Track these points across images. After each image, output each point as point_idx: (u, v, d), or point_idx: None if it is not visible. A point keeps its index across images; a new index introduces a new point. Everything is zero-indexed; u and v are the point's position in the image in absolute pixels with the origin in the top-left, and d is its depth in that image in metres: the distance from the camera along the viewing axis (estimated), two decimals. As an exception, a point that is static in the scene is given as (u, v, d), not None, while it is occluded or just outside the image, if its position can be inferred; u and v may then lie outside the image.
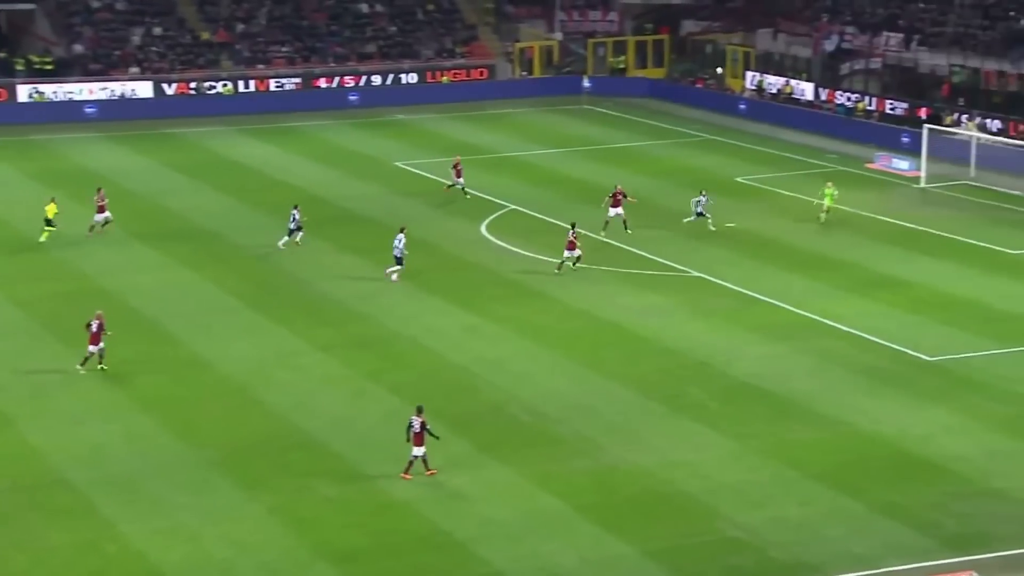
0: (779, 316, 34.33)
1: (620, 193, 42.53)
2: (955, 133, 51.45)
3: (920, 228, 42.44)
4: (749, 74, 66.71)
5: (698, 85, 68.77)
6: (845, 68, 63.81)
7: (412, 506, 24.30)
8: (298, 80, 68.08)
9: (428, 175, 52.38)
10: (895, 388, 29.26)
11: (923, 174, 48.58)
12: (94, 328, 30.24)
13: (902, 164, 50.98)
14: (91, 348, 30.32)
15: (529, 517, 23.94)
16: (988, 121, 53.26)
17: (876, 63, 62.37)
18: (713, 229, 41.94)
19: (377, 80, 69.09)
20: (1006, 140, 50.56)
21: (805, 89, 63.09)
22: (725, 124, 61.68)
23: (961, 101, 56.22)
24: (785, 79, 64.38)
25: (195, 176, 51.62)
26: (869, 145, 54.94)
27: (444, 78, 70.20)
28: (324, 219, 44.67)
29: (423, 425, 25.16)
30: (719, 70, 68.76)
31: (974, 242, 40.67)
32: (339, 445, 26.92)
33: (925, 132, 49.67)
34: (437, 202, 47.66)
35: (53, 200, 41.69)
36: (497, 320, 34.44)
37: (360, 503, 24.51)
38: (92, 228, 41.86)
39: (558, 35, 74.89)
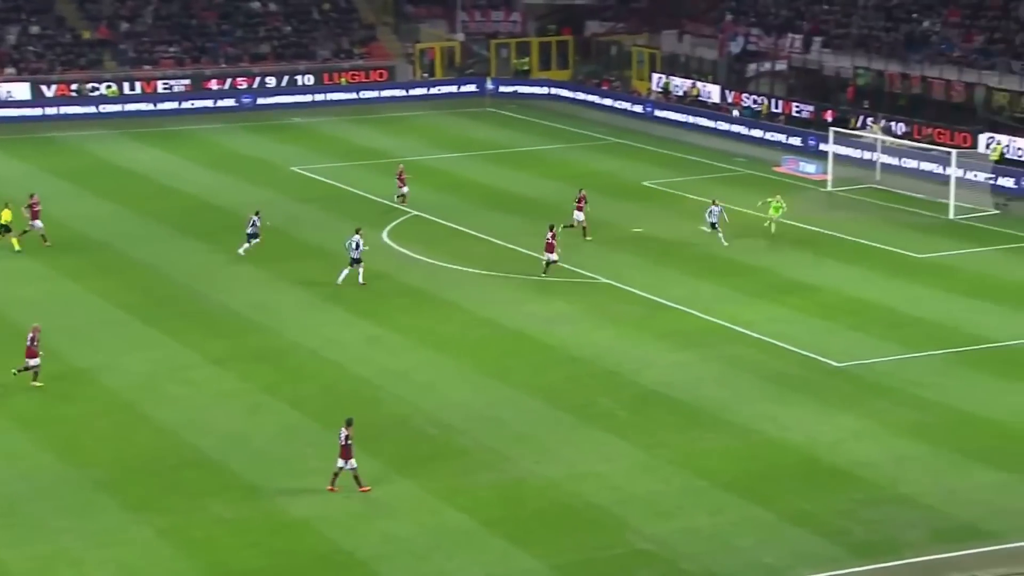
0: (688, 323, 34.83)
1: (583, 198, 42.91)
2: (861, 136, 52.75)
3: (827, 232, 43.41)
4: (655, 76, 67.60)
5: (603, 87, 69.47)
6: (751, 70, 65.04)
7: (312, 524, 24.10)
8: (187, 82, 67.15)
9: (326, 180, 52.04)
10: (804, 395, 29.87)
11: (830, 177, 49.71)
12: (29, 341, 29.81)
13: (809, 167, 52.11)
14: (29, 362, 29.81)
15: (434, 533, 23.91)
16: (893, 124, 54.71)
17: (782, 65, 63.69)
18: (725, 244, 40.63)
19: (271, 82, 68.47)
20: (911, 143, 51.96)
21: (711, 91, 64.15)
22: (631, 127, 62.40)
23: (866, 104, 57.68)
24: (691, 81, 65.39)
25: (78, 182, 50.58)
26: (776, 148, 56.08)
27: (342, 80, 69.84)
28: (217, 227, 44.12)
29: (347, 438, 25.04)
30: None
31: (880, 246, 41.73)
32: (234, 462, 26.59)
33: (831, 135, 50.85)
34: (335, 208, 47.39)
35: (7, 206, 41.01)
36: (400, 330, 34.35)
37: (256, 523, 24.23)
38: (43, 237, 41.13)
39: (460, 36, 75.04)
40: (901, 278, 38.27)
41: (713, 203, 42.23)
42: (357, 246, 37.48)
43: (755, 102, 61.54)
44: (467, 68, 73.50)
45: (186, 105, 66.09)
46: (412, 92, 70.51)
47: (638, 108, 65.42)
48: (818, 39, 62.95)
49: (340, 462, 25.03)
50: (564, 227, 41.50)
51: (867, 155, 52.02)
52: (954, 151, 47.04)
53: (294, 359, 32.37)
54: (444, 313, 35.68)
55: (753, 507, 24.58)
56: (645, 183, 51.14)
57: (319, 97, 68.66)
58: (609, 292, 37.56)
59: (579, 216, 42.86)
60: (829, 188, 49.35)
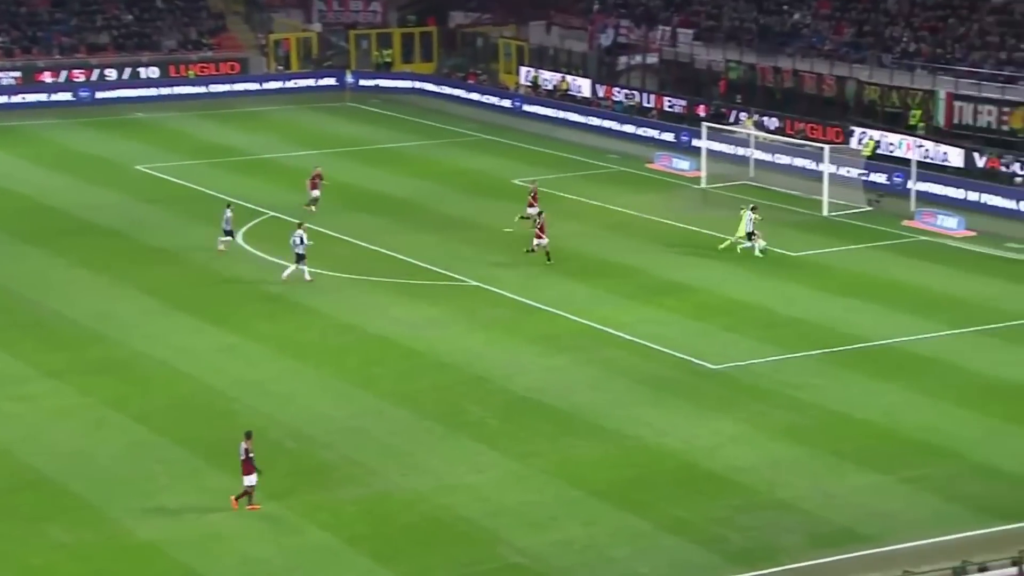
0: (560, 326, 35.16)
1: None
2: (733, 131, 53.96)
3: (702, 231, 44.31)
4: (523, 69, 68.08)
5: (470, 81, 69.69)
6: (622, 63, 65.99)
7: (161, 548, 23.64)
8: (18, 74, 65.25)
9: (173, 179, 51.10)
10: (680, 398, 30.43)
11: (703, 174, 50.73)
12: None
13: (682, 164, 53.10)
14: None
15: (294, 553, 23.66)
16: (765, 119, 56.11)
17: (653, 58, 64.78)
18: (760, 255, 39.91)
19: (112, 74, 66.97)
20: (784, 138, 53.36)
21: (582, 85, 64.88)
22: (499, 122, 62.73)
23: (739, 98, 59.05)
24: (561, 75, 66.03)
25: (-102, 182, 48.71)
26: (649, 144, 57.02)
27: (190, 72, 68.65)
28: (53, 231, 42.97)
29: (247, 452, 24.74)
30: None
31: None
32: (75, 483, 25.94)
33: (704, 130, 51.92)
34: (186, 209, 46.54)
35: None
36: (256, 338, 33.93)
37: (100, 547, 23.67)
38: None
39: (316, 26, 74.44)
40: (776, 277, 39.27)
41: (750, 208, 40.66)
42: (301, 241, 37.63)
43: (626, 96, 62.47)
44: (325, 60, 72.96)
45: (17, 99, 64.21)
46: (266, 86, 69.69)
47: (506, 103, 65.79)
48: (689, 31, 64.22)
49: (245, 479, 24.66)
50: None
51: (741, 151, 53.26)
52: (827, 147, 48.47)
53: (140, 370, 31.72)
54: (304, 319, 35.37)
55: (628, 516, 24.93)
56: (515, 181, 51.45)
57: (165, 91, 67.42)
58: (479, 295, 37.69)
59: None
60: (703, 185, 50.36)
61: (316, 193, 45.91)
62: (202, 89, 68.21)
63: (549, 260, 39.61)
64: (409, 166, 53.98)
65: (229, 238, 40.86)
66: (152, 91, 67.28)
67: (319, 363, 32.35)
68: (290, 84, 70.16)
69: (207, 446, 27.35)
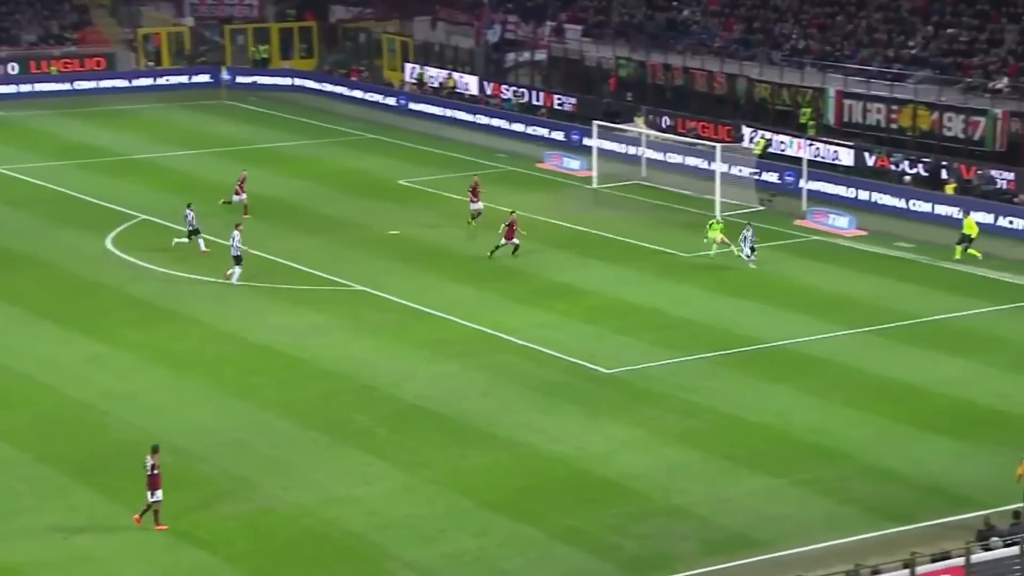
0: (450, 331, 35.21)
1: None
2: (625, 130, 54.57)
3: (593, 232, 44.74)
4: (408, 66, 68.02)
5: (353, 78, 69.38)
6: (510, 60, 66.32)
7: (25, 571, 23.12)
8: None
9: (35, 181, 50.01)
10: (573, 404, 30.68)
11: (595, 174, 51.23)
12: None
13: (573, 163, 53.56)
14: None
15: (170, 573, 23.32)
16: (657, 117, 56.86)
17: (541, 55, 65.23)
18: (754, 267, 39.67)
19: (-33, 70, 65.39)
20: (675, 137, 54.13)
21: (469, 83, 65.05)
22: (384, 121, 62.60)
23: (629, 96, 59.77)
24: (447, 72, 66.12)
25: None
26: (539, 143, 57.39)
27: (52, 68, 67.26)
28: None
29: (153, 467, 24.38)
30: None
31: (648, 245, 43.29)
32: (-67, 506, 25.23)
33: (595, 129, 52.43)
34: (50, 212, 45.56)
35: None
36: (128, 347, 33.39)
37: (-38, 574, 23.06)
38: None
39: (189, 20, 73.44)
40: (669, 279, 39.83)
41: (747, 227, 40.62)
42: (234, 241, 37.93)
43: (515, 94, 62.77)
44: (199, 56, 72.02)
45: None
46: (136, 83, 68.59)
47: (391, 101, 65.67)
48: (578, 27, 64.80)
49: (149, 494, 24.33)
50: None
51: (632, 150, 53.90)
52: (718, 145, 49.30)
53: (1, 384, 30.94)
54: (178, 327, 34.91)
55: (521, 526, 25.07)
56: (401, 182, 51.38)
57: (25, 88, 66.03)
58: (365, 300, 37.55)
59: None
60: (595, 186, 50.85)
61: (240, 198, 45.25)
62: (66, 86, 66.88)
63: (515, 254, 40.67)
64: (290, 166, 53.56)
65: (198, 239, 40.40)
66: (11, 88, 65.84)
67: (195, 373, 31.94)
68: (162, 81, 69.15)
69: (74, 463, 26.83)
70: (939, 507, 25.61)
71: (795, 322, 35.83)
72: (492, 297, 37.88)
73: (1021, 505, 23.84)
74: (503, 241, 40.81)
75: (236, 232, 38.15)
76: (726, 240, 41.29)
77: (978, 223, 42.48)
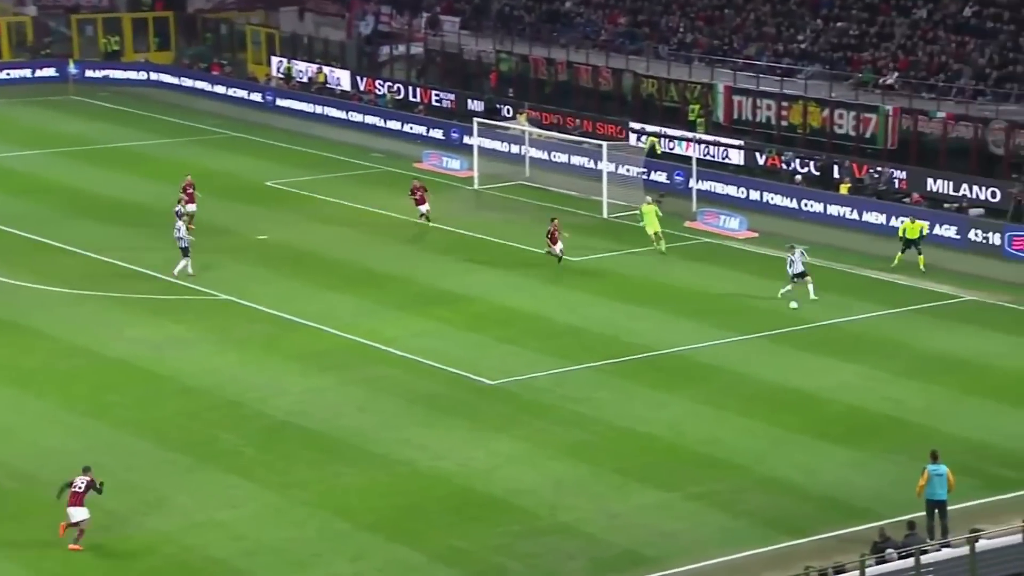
0: (323, 342, 35.02)
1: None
2: (507, 128, 54.82)
3: (476, 235, 44.86)
4: (274, 60, 67.50)
5: (214, 72, 68.60)
6: (384, 54, 66.21)
7: None
8: None
9: None
10: (455, 417, 30.74)
11: (476, 174, 51.39)
12: None
13: (453, 163, 53.64)
14: None
15: (22, 610, 22.85)
16: (540, 114, 57.19)
17: (418, 48, 65.24)
18: (815, 297, 37.15)
19: None
20: (560, 135, 54.53)
21: (340, 78, 64.79)
22: (249, 118, 62.05)
23: (511, 92, 60.07)
24: (317, 66, 65.75)
25: None
26: (417, 142, 57.36)
27: None
28: None
29: (90, 484, 24.25)
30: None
31: (532, 249, 43.54)
32: None
33: (475, 127, 52.57)
34: None
35: None
36: (-30, 366, 32.62)
37: None
38: None
39: (31, 9, 72.02)
40: (555, 284, 40.12)
41: (793, 249, 38.04)
42: (179, 232, 38.45)
43: (390, 90, 62.67)
44: (43, 48, 70.61)
45: None
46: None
47: (256, 96, 65.11)
48: (455, 19, 64.92)
49: (73, 511, 24.20)
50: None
51: (515, 149, 54.17)
52: (605, 144, 49.80)
53: None
54: (24, 342, 34.30)
55: (400, 548, 25.04)
56: (268, 183, 50.97)
57: None
58: (230, 310, 37.18)
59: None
60: (476, 186, 51.00)
61: (192, 208, 43.59)
62: None
63: (560, 262, 40.71)
64: (146, 167, 52.80)
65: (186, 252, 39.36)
66: None
67: (43, 391, 31.39)
68: (2, 75, 67.61)
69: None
70: (834, 519, 26.17)
71: (686, 328, 36.34)
72: (368, 305, 37.77)
73: (916, 516, 24.49)
74: (553, 247, 40.88)
75: (179, 223, 38.69)
76: (660, 234, 41.88)
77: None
